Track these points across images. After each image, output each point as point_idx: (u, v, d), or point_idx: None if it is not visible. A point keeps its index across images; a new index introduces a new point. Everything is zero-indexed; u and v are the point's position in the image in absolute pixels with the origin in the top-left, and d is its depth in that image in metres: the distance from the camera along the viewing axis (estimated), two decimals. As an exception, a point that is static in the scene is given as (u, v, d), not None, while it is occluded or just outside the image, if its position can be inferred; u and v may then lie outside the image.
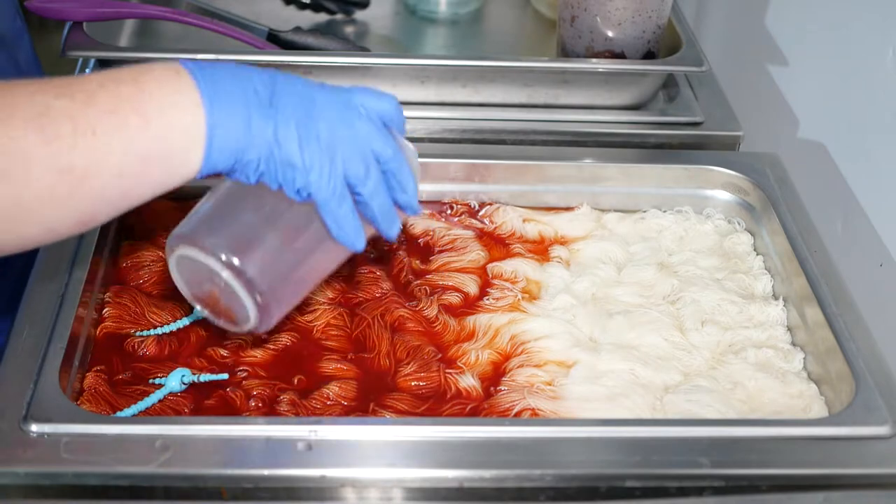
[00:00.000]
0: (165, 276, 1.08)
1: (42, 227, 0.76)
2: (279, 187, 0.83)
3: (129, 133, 0.76)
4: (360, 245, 0.86)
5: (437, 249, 1.15)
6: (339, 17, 1.53)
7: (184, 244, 0.85)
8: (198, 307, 0.89)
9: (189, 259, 0.85)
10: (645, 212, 1.22)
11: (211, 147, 0.79)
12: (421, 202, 1.18)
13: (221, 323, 0.88)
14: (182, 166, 0.79)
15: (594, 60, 1.31)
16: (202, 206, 0.87)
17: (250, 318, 0.86)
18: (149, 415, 0.94)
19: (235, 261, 0.83)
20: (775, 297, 1.11)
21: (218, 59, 1.23)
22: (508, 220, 1.19)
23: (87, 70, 1.32)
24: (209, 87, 0.79)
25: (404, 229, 1.18)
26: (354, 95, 0.85)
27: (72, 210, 0.76)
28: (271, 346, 1.02)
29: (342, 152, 0.82)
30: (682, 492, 0.88)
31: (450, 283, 1.10)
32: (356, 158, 0.83)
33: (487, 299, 1.09)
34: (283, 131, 0.80)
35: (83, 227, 0.79)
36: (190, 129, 0.78)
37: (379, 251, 1.14)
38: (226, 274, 0.83)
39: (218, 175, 0.83)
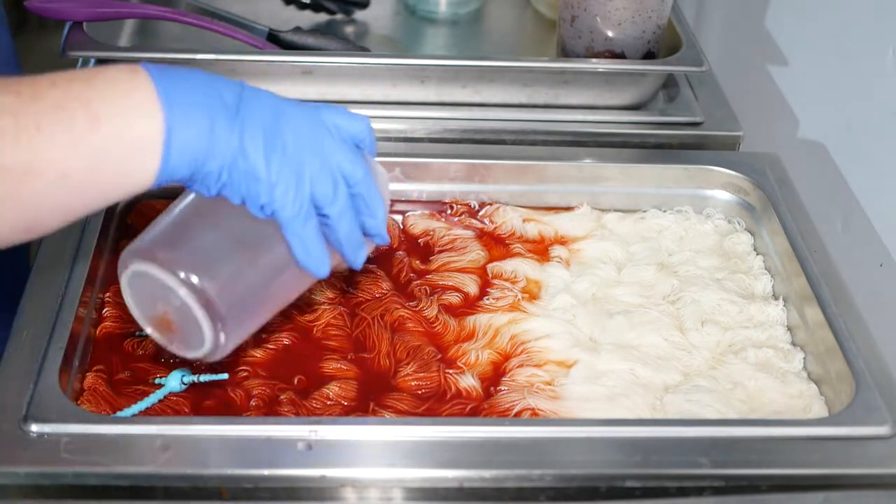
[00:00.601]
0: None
1: None
2: (242, 202, 0.78)
3: (77, 130, 0.71)
4: (323, 271, 0.81)
5: (437, 249, 1.15)
6: (339, 17, 1.53)
7: (139, 260, 0.80)
8: (148, 330, 0.85)
9: (144, 276, 0.81)
10: (645, 212, 1.22)
11: (168, 152, 0.74)
12: (421, 202, 1.21)
13: (173, 348, 0.85)
14: (136, 172, 0.74)
15: (594, 60, 1.31)
16: (160, 221, 0.82)
17: (206, 342, 0.82)
18: (149, 415, 0.94)
19: (194, 279, 0.79)
20: (775, 297, 1.11)
21: (218, 59, 1.24)
22: (508, 219, 1.19)
23: (87, 70, 1.32)
24: (168, 88, 0.75)
25: (404, 229, 1.18)
26: (325, 113, 0.82)
27: (13, 212, 0.72)
28: (271, 346, 1.02)
29: (310, 169, 0.78)
30: (682, 492, 0.88)
31: (450, 283, 1.10)
32: (324, 176, 0.79)
33: (487, 299, 1.09)
34: (250, 141, 0.76)
35: (28, 234, 0.74)
36: (145, 130, 0.73)
37: (378, 251, 1.14)
38: (183, 292, 0.79)
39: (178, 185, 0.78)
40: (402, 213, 1.20)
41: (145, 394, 0.95)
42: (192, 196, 0.83)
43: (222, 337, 0.82)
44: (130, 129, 0.73)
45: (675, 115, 1.32)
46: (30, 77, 0.73)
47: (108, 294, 1.06)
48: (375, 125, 1.25)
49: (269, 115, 0.78)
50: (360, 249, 0.84)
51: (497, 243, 1.17)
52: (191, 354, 0.84)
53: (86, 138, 0.72)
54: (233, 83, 0.78)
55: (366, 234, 0.85)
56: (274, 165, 0.77)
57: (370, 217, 0.83)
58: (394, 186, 1.21)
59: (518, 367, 1.01)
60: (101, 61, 1.29)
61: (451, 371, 1.00)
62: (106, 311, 1.04)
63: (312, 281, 0.86)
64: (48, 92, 0.72)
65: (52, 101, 0.72)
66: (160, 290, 0.81)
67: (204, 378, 0.97)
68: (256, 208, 0.78)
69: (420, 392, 0.99)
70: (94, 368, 0.98)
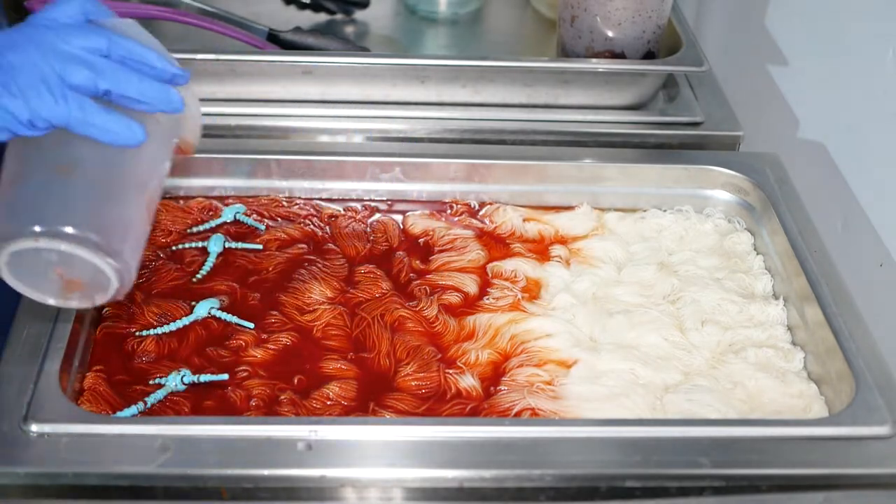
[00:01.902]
0: (165, 275, 1.08)
1: None
2: (11, 134, 0.78)
3: None
4: (137, 136, 0.80)
5: (436, 249, 1.15)
6: (339, 17, 1.53)
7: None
8: (62, 303, 0.83)
9: (14, 260, 0.79)
10: (645, 211, 1.22)
11: None
12: (421, 202, 1.21)
13: (96, 300, 0.83)
14: None
15: (594, 60, 1.31)
16: None
17: (108, 272, 0.79)
18: (149, 415, 0.94)
19: (39, 227, 0.77)
20: (775, 297, 1.11)
21: (218, 60, 1.24)
22: (508, 219, 1.19)
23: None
24: None
25: (404, 229, 1.18)
26: (33, 18, 0.81)
27: None
28: (271, 346, 1.02)
29: (50, 66, 0.77)
30: (682, 492, 0.88)
31: (450, 283, 1.10)
32: (71, 65, 0.78)
33: (487, 299, 1.09)
34: None
35: None
36: None
37: (379, 252, 1.14)
38: (42, 243, 0.78)
39: None
40: (403, 213, 1.20)
41: (145, 394, 0.95)
42: None
43: (113, 252, 0.79)
44: None
45: (675, 115, 1.32)
46: None
47: (108, 294, 1.06)
48: (375, 125, 1.28)
49: None
50: (163, 93, 0.82)
51: (497, 243, 1.17)
52: (111, 294, 0.82)
53: None
54: None
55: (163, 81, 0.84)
56: (13, 84, 0.77)
57: (150, 68, 0.82)
58: (394, 186, 1.21)
59: (518, 366, 1.01)
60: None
61: (451, 371, 1.00)
62: (106, 311, 1.04)
63: (155, 158, 0.85)
64: None
65: None
66: (36, 259, 0.79)
67: (204, 378, 0.97)
68: (27, 128, 0.78)
69: (420, 392, 0.99)
70: (94, 368, 0.98)
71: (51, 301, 0.83)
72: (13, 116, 0.77)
